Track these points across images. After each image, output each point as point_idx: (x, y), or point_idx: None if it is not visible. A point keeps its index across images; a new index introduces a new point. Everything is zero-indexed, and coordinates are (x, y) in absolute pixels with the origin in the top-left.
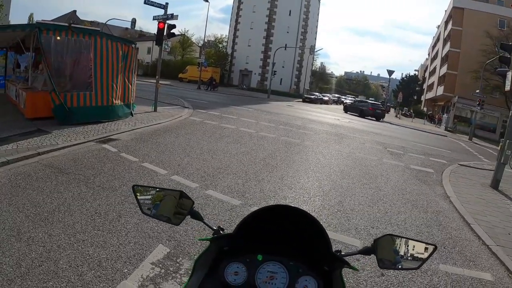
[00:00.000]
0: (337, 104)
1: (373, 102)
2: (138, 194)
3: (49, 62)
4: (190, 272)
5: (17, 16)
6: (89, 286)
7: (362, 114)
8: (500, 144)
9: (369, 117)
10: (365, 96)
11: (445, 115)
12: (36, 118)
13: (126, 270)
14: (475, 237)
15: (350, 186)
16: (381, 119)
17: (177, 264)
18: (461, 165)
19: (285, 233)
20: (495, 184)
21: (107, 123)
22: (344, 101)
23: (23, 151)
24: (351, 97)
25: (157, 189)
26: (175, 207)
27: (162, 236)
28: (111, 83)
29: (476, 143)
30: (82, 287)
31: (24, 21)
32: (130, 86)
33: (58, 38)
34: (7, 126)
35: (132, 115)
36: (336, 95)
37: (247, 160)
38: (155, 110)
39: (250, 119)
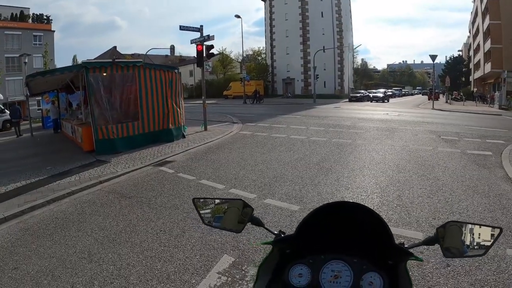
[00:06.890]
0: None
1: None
2: (198, 207)
3: (95, 99)
4: (255, 278)
5: (62, 59)
6: None
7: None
8: None
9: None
10: (412, 87)
11: (497, 93)
12: (93, 150)
13: (194, 281)
14: None
15: (407, 180)
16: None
17: (243, 272)
18: None
19: (346, 230)
20: None
21: (161, 146)
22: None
23: (85, 181)
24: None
25: (217, 200)
26: (236, 216)
27: (226, 246)
28: (159, 110)
29: None
30: None
31: (69, 62)
32: (178, 109)
33: (104, 74)
34: (68, 160)
35: (184, 137)
36: (382, 90)
37: (302, 166)
38: (205, 129)
39: (299, 125)
